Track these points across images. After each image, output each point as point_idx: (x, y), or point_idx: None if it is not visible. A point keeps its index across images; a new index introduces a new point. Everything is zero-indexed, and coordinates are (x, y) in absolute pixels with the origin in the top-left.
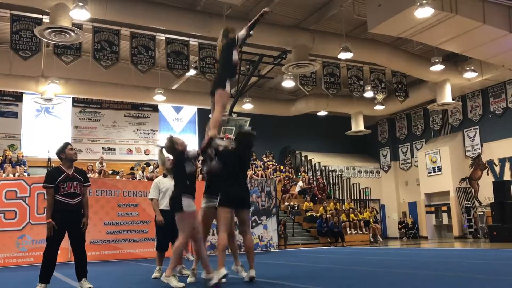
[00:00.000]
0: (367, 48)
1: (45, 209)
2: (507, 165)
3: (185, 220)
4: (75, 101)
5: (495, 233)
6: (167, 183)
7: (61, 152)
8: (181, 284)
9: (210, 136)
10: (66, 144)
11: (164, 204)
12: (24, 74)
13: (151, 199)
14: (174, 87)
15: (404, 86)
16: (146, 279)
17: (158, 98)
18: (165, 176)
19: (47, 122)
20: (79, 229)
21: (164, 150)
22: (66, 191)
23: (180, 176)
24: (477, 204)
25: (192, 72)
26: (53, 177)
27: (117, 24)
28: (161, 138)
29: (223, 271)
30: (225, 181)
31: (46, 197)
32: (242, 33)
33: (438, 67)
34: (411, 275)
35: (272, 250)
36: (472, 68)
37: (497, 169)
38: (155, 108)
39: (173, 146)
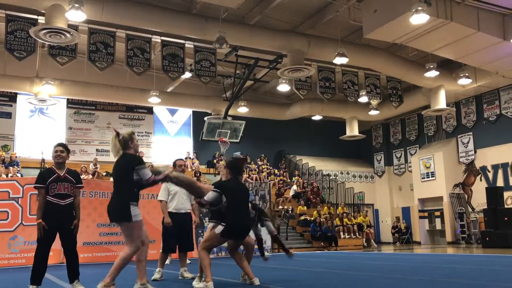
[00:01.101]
0: (363, 54)
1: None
2: (500, 171)
3: (134, 229)
4: (70, 102)
5: (487, 238)
6: (176, 186)
7: (52, 154)
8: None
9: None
10: (56, 145)
11: (173, 206)
12: (18, 75)
13: (160, 201)
14: (169, 89)
15: (399, 92)
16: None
17: (153, 100)
18: None
19: (41, 123)
20: (70, 230)
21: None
22: (57, 192)
23: (130, 183)
24: (470, 209)
25: (187, 74)
26: (44, 178)
27: (113, 26)
28: (155, 141)
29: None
30: (229, 212)
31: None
32: None
33: (433, 73)
34: (405, 281)
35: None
36: (466, 74)
37: (490, 175)
38: (149, 110)
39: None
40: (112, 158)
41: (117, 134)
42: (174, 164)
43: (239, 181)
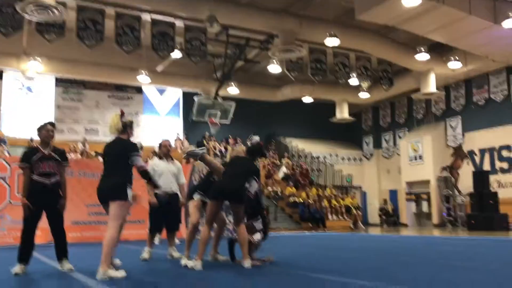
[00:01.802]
0: (354, 35)
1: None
2: (487, 155)
3: (124, 209)
4: (58, 80)
5: (473, 221)
6: (162, 166)
7: (39, 130)
8: (122, 273)
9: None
10: (45, 124)
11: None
12: (5, 51)
13: None
14: (159, 69)
15: (389, 75)
16: (130, 260)
17: (143, 79)
18: (160, 158)
19: (28, 101)
20: (56, 209)
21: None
22: (42, 171)
23: (127, 166)
24: (456, 193)
25: (177, 54)
26: (28, 156)
27: (102, 3)
28: (145, 120)
29: (199, 265)
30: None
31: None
32: None
33: (424, 56)
34: (391, 261)
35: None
36: (457, 58)
37: (477, 159)
38: (139, 90)
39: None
40: (101, 137)
41: (122, 114)
42: (160, 144)
43: (250, 159)
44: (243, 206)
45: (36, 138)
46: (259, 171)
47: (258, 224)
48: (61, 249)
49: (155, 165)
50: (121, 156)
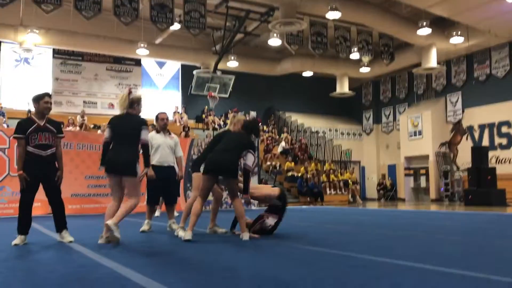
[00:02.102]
0: (356, 8)
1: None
2: (486, 131)
3: (138, 183)
4: (56, 53)
5: (470, 197)
6: (159, 139)
7: (35, 101)
8: (188, 235)
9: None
10: (44, 95)
11: (156, 159)
12: (1, 22)
13: None
14: (158, 41)
15: (391, 49)
16: (130, 232)
17: (141, 52)
18: (157, 132)
19: (26, 73)
20: (53, 182)
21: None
22: (38, 142)
23: (137, 142)
24: (455, 168)
25: (176, 26)
26: (23, 128)
27: None
28: (144, 94)
29: (188, 235)
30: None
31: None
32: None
33: (425, 31)
34: (387, 235)
35: (253, 207)
36: (459, 33)
37: (476, 134)
38: (137, 63)
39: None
40: (100, 110)
41: (130, 93)
42: (157, 117)
43: (244, 134)
44: (236, 180)
45: (34, 110)
46: (253, 144)
47: (272, 220)
48: (59, 221)
49: (152, 138)
50: (131, 130)
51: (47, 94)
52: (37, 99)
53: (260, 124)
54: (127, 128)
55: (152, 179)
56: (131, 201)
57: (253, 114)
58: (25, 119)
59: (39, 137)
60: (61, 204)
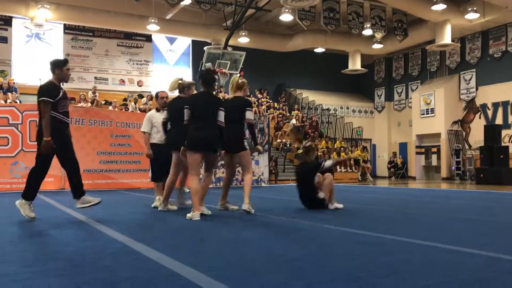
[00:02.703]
0: None
1: (43, 127)
2: (500, 110)
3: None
4: (67, 28)
5: (481, 175)
6: (159, 118)
7: (58, 67)
8: (197, 215)
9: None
10: (66, 61)
11: (157, 138)
12: None
13: (144, 132)
14: (168, 16)
15: (404, 25)
16: (142, 208)
17: (152, 27)
18: (157, 110)
19: (38, 49)
20: (71, 151)
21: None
22: (65, 110)
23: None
24: (467, 147)
25: (187, 1)
26: (53, 93)
27: None
28: (154, 69)
29: (196, 216)
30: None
31: (41, 114)
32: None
33: (440, 7)
34: (396, 213)
35: (263, 185)
36: (475, 9)
37: (489, 113)
38: (148, 38)
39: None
40: (111, 86)
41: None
42: (157, 95)
43: (209, 94)
44: (217, 155)
45: (44, 79)
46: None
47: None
48: (77, 186)
49: (152, 116)
50: (238, 111)
51: (67, 60)
52: (61, 65)
53: (214, 73)
54: (231, 110)
55: (151, 158)
56: (249, 175)
57: (207, 65)
58: (51, 85)
59: (66, 104)
60: (78, 169)
